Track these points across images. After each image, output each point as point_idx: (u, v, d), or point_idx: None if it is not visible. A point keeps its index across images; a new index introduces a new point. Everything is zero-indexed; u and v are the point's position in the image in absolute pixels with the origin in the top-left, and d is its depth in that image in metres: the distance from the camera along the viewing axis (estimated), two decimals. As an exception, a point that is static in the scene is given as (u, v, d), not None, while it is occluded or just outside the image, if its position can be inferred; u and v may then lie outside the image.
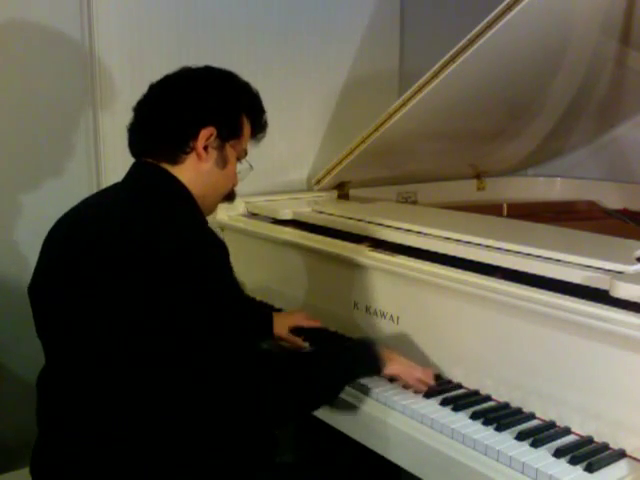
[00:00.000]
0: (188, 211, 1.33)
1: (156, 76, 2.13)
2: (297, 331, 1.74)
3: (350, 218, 1.88)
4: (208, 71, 1.41)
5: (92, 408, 1.22)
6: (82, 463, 1.23)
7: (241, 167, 1.47)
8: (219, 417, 1.23)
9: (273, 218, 2.05)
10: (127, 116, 2.13)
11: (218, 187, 1.42)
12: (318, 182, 2.25)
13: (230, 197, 1.49)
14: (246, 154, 1.46)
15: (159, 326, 1.16)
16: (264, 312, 1.80)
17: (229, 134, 1.38)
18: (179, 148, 1.34)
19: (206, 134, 1.34)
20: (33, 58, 2.02)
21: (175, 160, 1.34)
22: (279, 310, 1.95)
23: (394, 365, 1.44)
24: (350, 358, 1.44)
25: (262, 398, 1.24)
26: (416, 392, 1.44)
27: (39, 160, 2.07)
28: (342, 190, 2.26)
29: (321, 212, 1.99)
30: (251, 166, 1.49)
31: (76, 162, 2.12)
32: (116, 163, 2.14)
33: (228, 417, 1.24)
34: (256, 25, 2.33)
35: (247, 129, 1.43)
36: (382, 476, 1.54)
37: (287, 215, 2.03)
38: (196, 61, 2.17)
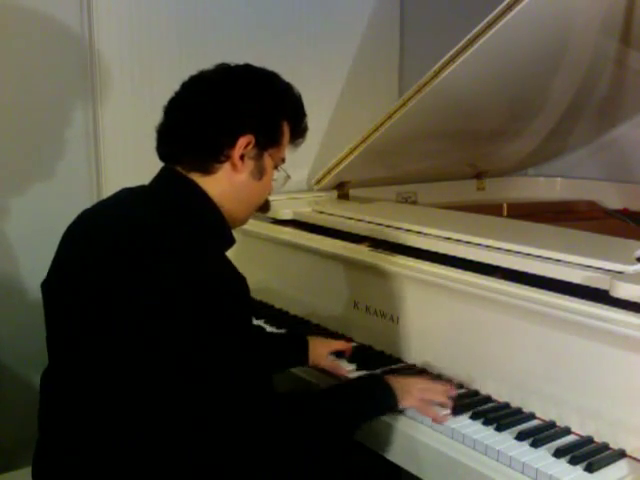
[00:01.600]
0: (211, 238, 1.24)
1: (157, 73, 2.16)
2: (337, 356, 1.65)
3: (350, 218, 1.88)
4: (248, 72, 1.31)
5: (94, 412, 1.20)
6: (84, 466, 1.22)
7: (277, 175, 1.36)
8: (221, 443, 1.17)
9: (273, 218, 2.05)
10: (127, 115, 2.15)
11: (251, 199, 1.33)
12: (318, 182, 2.25)
13: (264, 208, 1.40)
14: (284, 161, 1.36)
15: (162, 354, 1.12)
16: (298, 340, 1.66)
17: (268, 142, 1.28)
18: (213, 157, 1.24)
19: (244, 143, 1.24)
20: (32, 56, 2.02)
21: (207, 170, 1.25)
22: (286, 313, 1.95)
23: (408, 400, 1.35)
24: (361, 400, 1.34)
25: (264, 442, 1.17)
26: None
27: (38, 158, 2.07)
28: (342, 190, 2.26)
29: (321, 212, 1.99)
30: (288, 175, 1.37)
31: (75, 161, 2.12)
32: (116, 162, 2.15)
33: (228, 448, 1.18)
34: (256, 24, 2.33)
35: (287, 135, 1.33)
36: (382, 476, 1.54)
37: (287, 215, 2.03)
38: (196, 58, 2.19)
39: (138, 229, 1.21)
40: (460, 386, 1.48)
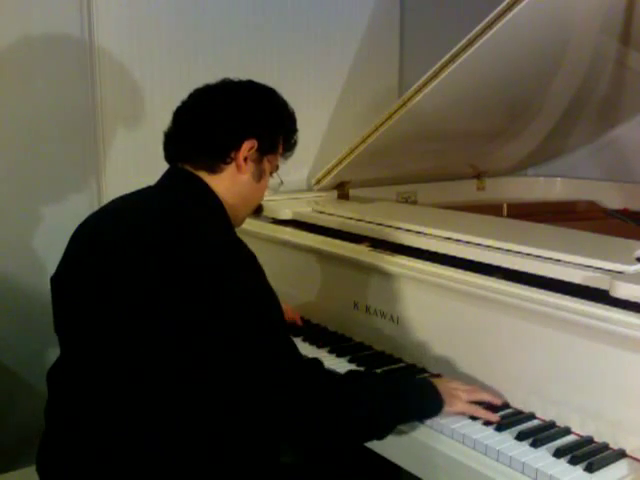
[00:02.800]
0: (220, 223, 1.34)
1: (157, 74, 2.16)
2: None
3: (350, 218, 1.88)
4: (251, 84, 1.42)
5: (103, 406, 1.22)
6: (90, 461, 1.22)
7: (272, 181, 1.48)
8: (246, 429, 1.21)
9: (273, 218, 2.05)
10: (128, 115, 2.15)
11: (251, 199, 1.43)
12: (318, 182, 2.25)
13: (258, 211, 1.50)
14: (277, 169, 1.47)
15: (181, 338, 1.16)
16: None
17: (268, 148, 1.40)
18: (220, 158, 1.35)
19: (248, 146, 1.35)
20: (33, 59, 2.02)
21: (214, 169, 1.35)
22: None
23: (457, 404, 1.34)
24: (410, 400, 1.33)
25: (303, 416, 1.19)
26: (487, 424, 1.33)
27: (37, 159, 2.06)
28: (342, 190, 2.26)
29: (321, 212, 1.99)
30: (282, 181, 1.50)
31: (75, 162, 2.12)
32: (116, 163, 2.14)
33: (258, 431, 1.21)
34: (256, 25, 2.33)
35: (281, 146, 1.44)
36: (382, 476, 1.54)
37: (287, 215, 2.02)
38: (195, 59, 2.20)
39: (150, 219, 1.27)
40: (460, 386, 1.48)
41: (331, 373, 1.36)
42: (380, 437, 1.29)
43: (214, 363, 1.17)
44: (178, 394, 1.18)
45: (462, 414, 1.34)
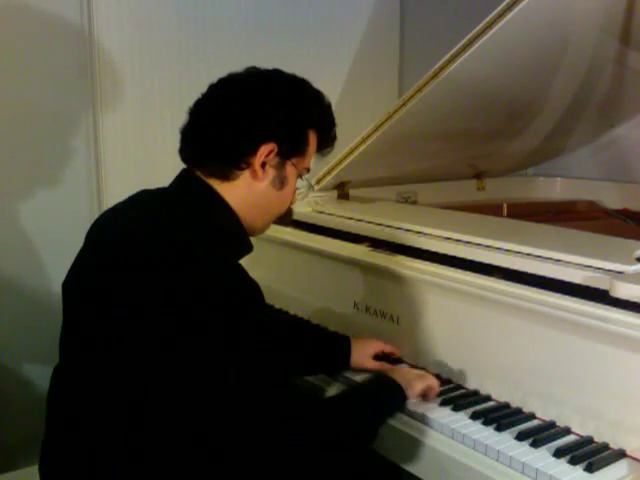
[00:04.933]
0: (226, 244, 1.22)
1: (157, 74, 2.16)
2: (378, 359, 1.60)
3: (350, 218, 1.88)
4: (276, 78, 1.27)
5: (104, 411, 1.20)
6: (92, 463, 1.21)
7: (301, 184, 1.33)
8: (232, 444, 1.16)
9: (273, 218, 2.05)
10: (127, 115, 2.15)
11: (270, 208, 1.30)
12: (318, 182, 2.24)
13: (285, 217, 1.36)
14: (308, 171, 1.33)
15: (171, 357, 1.11)
16: (341, 343, 1.60)
17: (292, 151, 1.26)
18: (233, 164, 1.23)
19: (265, 151, 1.22)
20: (32, 57, 2.02)
21: (227, 177, 1.23)
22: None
23: (415, 385, 1.37)
24: (379, 401, 1.32)
25: (278, 444, 1.15)
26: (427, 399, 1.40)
27: (38, 159, 2.07)
28: (342, 190, 2.26)
29: (321, 212, 1.99)
30: (311, 185, 1.36)
31: (75, 162, 2.13)
32: (116, 163, 2.15)
33: (242, 450, 1.16)
34: (256, 24, 2.34)
35: (313, 144, 1.30)
36: (382, 476, 1.54)
37: (287, 215, 2.02)
38: (196, 58, 2.20)
39: (152, 234, 1.20)
40: (460, 386, 1.48)
41: (303, 402, 1.26)
42: (364, 444, 1.31)
43: (177, 388, 1.12)
44: (169, 404, 1.15)
45: (422, 391, 1.38)
